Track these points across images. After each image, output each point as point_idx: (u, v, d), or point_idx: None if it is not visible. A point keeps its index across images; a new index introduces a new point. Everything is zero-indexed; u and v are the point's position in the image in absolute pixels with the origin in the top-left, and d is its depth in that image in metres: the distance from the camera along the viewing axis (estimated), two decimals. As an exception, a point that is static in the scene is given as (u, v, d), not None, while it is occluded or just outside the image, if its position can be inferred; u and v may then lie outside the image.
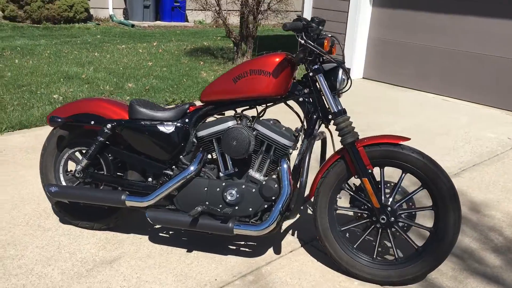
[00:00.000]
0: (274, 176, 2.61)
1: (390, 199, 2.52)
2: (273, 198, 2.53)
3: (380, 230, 2.54)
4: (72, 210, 2.90)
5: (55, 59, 7.53)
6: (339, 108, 2.52)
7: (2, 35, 9.66)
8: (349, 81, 2.55)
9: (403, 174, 2.52)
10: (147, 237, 2.90)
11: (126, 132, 2.70)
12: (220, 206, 2.58)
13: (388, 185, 2.59)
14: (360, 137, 2.54)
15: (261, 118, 2.70)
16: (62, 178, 2.89)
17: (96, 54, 8.12)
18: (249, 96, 2.58)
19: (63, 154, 2.87)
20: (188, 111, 2.72)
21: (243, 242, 2.89)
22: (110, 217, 2.87)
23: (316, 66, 2.49)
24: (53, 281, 2.48)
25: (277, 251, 2.83)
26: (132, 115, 2.71)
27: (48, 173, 2.91)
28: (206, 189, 2.61)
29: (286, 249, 2.85)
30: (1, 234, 2.88)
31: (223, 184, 2.60)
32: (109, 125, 2.70)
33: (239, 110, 2.74)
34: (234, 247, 2.84)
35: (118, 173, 2.85)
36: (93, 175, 2.80)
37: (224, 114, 2.79)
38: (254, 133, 2.58)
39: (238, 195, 2.56)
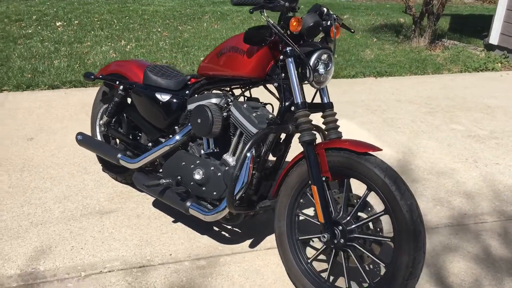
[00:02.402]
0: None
1: (347, 218, 2.09)
2: None
3: (333, 251, 2.15)
4: (105, 160, 3.20)
5: (238, 25, 8.03)
6: (302, 100, 2.16)
7: (220, 0, 10.71)
8: (310, 72, 2.15)
9: (367, 191, 2.05)
10: (153, 199, 3.02)
11: (133, 96, 2.83)
12: (191, 183, 2.53)
13: (355, 201, 2.14)
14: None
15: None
16: (97, 130, 3.21)
17: (278, 23, 8.36)
18: (229, 74, 2.41)
19: (100, 108, 3.16)
20: (189, 82, 2.69)
21: (229, 227, 2.78)
22: (126, 173, 3.07)
23: (288, 49, 2.17)
24: (50, 217, 2.82)
25: (254, 244, 2.63)
26: (144, 80, 2.82)
27: (94, 124, 3.26)
28: (183, 163, 2.58)
29: (264, 245, 2.63)
30: (55, 169, 3.37)
31: (197, 162, 2.53)
32: (121, 87, 2.86)
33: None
34: (217, 229, 2.76)
35: (139, 134, 3.02)
36: (112, 131, 3.02)
37: (227, 89, 2.66)
38: (224, 114, 2.41)
39: (204, 176, 2.46)
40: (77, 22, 7.88)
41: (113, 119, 3.02)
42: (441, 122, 4.41)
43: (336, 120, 2.27)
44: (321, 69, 2.17)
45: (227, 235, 2.72)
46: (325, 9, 2.31)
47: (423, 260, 1.92)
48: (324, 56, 2.18)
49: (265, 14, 2.14)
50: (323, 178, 2.10)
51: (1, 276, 2.34)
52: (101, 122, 3.05)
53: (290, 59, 2.17)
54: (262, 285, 2.34)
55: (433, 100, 4.98)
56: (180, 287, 2.32)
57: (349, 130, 4.15)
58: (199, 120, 2.41)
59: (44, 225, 2.74)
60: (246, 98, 2.59)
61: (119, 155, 2.82)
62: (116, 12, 8.87)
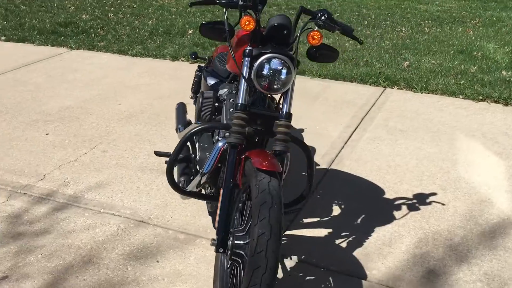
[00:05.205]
0: None
1: (242, 233, 1.96)
2: None
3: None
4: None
5: (501, 35, 7.01)
6: (242, 102, 2.07)
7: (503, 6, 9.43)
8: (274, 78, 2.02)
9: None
10: (210, 174, 3.30)
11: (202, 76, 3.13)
12: (195, 163, 2.72)
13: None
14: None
15: None
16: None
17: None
18: (231, 71, 2.49)
19: (201, 84, 3.57)
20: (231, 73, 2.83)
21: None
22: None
23: (248, 48, 2.11)
24: (131, 164, 3.44)
25: (237, 239, 2.65)
26: (213, 65, 3.08)
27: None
28: (201, 144, 2.78)
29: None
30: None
31: (205, 146, 2.69)
32: (197, 67, 3.20)
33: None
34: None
35: None
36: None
37: None
38: (216, 104, 2.50)
39: (198, 159, 2.63)
40: (338, 14, 8.30)
41: (197, 95, 3.38)
42: None
43: (287, 132, 2.10)
44: (265, 74, 2.05)
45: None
46: (319, 14, 2.13)
47: (258, 299, 1.70)
48: (274, 62, 2.04)
49: (225, 11, 2.14)
50: (231, 184, 2.03)
51: (61, 192, 3.09)
52: (189, 96, 3.45)
53: (245, 59, 2.12)
54: (200, 274, 2.42)
55: None
56: (146, 247, 2.60)
57: (491, 170, 3.39)
58: (196, 105, 2.57)
59: (120, 168, 3.38)
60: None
61: (179, 126, 3.19)
62: (385, 8, 8.89)
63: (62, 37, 6.52)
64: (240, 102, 2.10)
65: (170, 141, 3.77)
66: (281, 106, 2.14)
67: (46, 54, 5.95)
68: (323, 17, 2.12)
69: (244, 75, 2.10)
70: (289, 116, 2.12)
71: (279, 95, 2.20)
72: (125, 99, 4.61)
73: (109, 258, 2.52)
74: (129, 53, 6.00)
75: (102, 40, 6.47)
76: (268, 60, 2.05)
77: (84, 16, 7.67)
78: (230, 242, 1.99)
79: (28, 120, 4.10)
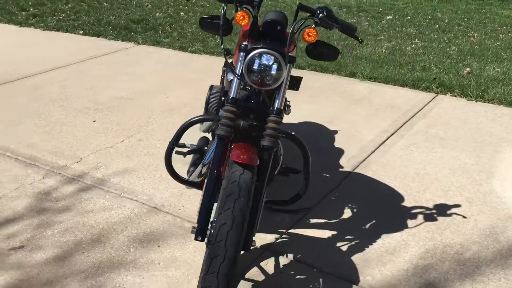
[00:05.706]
0: None
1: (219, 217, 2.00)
2: None
3: None
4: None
5: None
6: (233, 96, 2.11)
7: None
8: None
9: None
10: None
11: (226, 72, 3.19)
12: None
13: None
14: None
15: None
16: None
17: None
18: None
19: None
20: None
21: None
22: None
23: (243, 43, 2.14)
24: (160, 153, 3.57)
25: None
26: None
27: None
28: (214, 136, 2.85)
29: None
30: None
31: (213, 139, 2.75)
32: (224, 63, 3.25)
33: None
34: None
35: None
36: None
37: None
38: (223, 98, 2.54)
39: (207, 151, 2.69)
40: (409, 17, 8.02)
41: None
42: None
43: (275, 128, 2.10)
44: (256, 69, 2.07)
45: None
46: (317, 11, 2.12)
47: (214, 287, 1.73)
48: (265, 57, 2.05)
49: (223, 6, 2.18)
50: (215, 175, 2.07)
51: (90, 174, 3.29)
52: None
53: (240, 54, 2.15)
54: (195, 262, 2.49)
55: None
56: (152, 232, 2.72)
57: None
58: (205, 98, 2.64)
59: (150, 156, 3.53)
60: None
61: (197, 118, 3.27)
62: (463, 12, 8.46)
63: (132, 33, 6.88)
64: (231, 96, 2.14)
65: (200, 134, 3.87)
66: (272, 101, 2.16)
67: (114, 48, 6.31)
68: (321, 15, 2.11)
69: (237, 69, 2.14)
70: (280, 112, 2.12)
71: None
72: (173, 92, 4.79)
73: (115, 239, 2.66)
74: (189, 49, 6.20)
75: (167, 37, 6.75)
76: (259, 56, 2.07)
77: (157, 13, 8.04)
78: (209, 232, 2.03)
79: (81, 108, 4.40)
